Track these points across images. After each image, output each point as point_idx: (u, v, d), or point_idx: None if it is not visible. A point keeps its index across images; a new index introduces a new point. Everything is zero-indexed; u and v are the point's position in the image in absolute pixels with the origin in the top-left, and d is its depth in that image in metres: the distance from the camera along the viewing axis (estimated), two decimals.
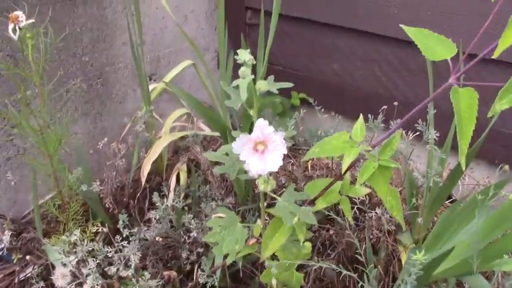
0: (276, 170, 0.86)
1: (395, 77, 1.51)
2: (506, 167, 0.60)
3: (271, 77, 0.86)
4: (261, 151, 0.87)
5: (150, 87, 1.56)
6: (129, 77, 1.59)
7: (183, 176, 1.54)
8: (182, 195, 1.47)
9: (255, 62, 0.83)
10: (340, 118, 1.49)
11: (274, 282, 1.03)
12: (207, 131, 1.69)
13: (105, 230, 1.08)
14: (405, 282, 0.73)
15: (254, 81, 0.84)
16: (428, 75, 1.16)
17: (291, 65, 1.73)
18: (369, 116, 1.18)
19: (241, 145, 0.86)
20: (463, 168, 0.70)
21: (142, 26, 1.44)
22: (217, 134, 1.63)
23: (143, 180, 1.45)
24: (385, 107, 1.29)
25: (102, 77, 1.51)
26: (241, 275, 1.33)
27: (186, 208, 1.38)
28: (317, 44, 1.64)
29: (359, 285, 0.87)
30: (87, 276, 0.97)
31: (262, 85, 0.83)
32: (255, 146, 0.87)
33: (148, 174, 1.49)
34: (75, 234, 1.02)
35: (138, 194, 1.47)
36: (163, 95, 1.71)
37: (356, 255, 1.32)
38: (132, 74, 1.59)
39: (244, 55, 0.81)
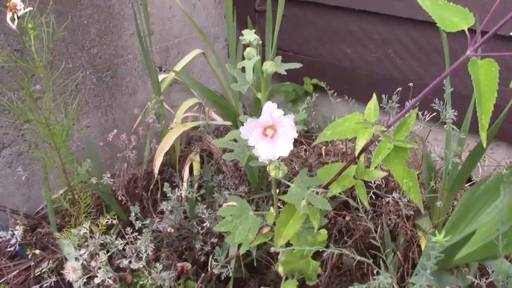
0: (287, 155, 0.82)
1: (410, 58, 1.46)
2: None
3: (279, 58, 0.83)
4: (271, 136, 0.84)
5: (160, 77, 1.54)
6: (138, 68, 1.57)
7: (196, 167, 1.52)
8: (196, 185, 1.45)
9: (260, 42, 0.80)
10: (354, 102, 1.44)
11: (281, 270, 1.01)
12: (219, 120, 1.66)
13: (115, 221, 1.06)
14: (424, 267, 0.69)
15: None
16: (443, 54, 1.11)
17: (303, 51, 1.69)
18: (383, 97, 1.14)
19: (249, 130, 0.83)
20: (484, 144, 0.66)
21: (149, 15, 1.42)
22: (229, 123, 1.60)
23: (156, 171, 1.43)
24: (399, 89, 1.25)
25: (111, 69, 1.50)
26: (257, 264, 1.31)
27: (199, 199, 1.36)
28: (328, 28, 1.60)
29: (375, 271, 0.83)
30: (98, 269, 0.95)
31: (269, 66, 0.80)
32: (264, 131, 0.84)
33: (162, 165, 1.48)
34: (85, 227, 1.01)
35: (152, 186, 1.46)
36: (174, 86, 1.69)
37: (374, 242, 1.29)
38: (142, 65, 1.57)
39: (249, 35, 0.78)
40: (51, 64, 1.31)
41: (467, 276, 0.96)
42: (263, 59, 0.82)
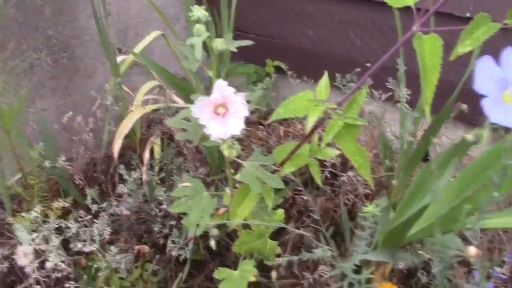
0: (238, 133, 0.82)
1: (369, 40, 1.47)
2: (464, 106, 0.57)
3: (230, 35, 0.82)
4: (222, 114, 0.83)
5: (119, 59, 1.51)
6: (96, 50, 1.53)
7: (157, 150, 1.50)
8: (157, 168, 1.44)
9: (210, 19, 0.78)
10: (313, 83, 1.44)
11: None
12: (180, 103, 1.64)
13: (67, 205, 1.04)
14: (362, 237, 0.70)
15: None
16: (398, 34, 1.12)
17: (264, 33, 1.68)
18: (337, 75, 1.14)
19: (200, 108, 0.82)
20: (428, 118, 0.66)
21: None
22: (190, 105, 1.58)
23: (115, 155, 1.41)
24: (358, 69, 1.26)
25: (68, 51, 1.46)
26: (217, 246, 1.31)
27: (159, 182, 1.35)
28: (288, 9, 1.59)
29: (314, 244, 0.83)
30: (50, 253, 0.94)
31: (219, 43, 0.79)
32: (215, 109, 0.83)
33: (122, 149, 1.45)
34: (36, 211, 0.98)
35: (111, 170, 1.44)
36: (134, 68, 1.66)
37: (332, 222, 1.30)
38: (100, 46, 1.53)
39: (198, 11, 0.77)
40: (3, 45, 1.27)
41: (419, 252, 0.98)
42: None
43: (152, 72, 1.65)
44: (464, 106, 0.60)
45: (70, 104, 1.50)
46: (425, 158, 1.33)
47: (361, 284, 0.65)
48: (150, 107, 1.52)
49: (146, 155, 1.48)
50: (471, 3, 1.24)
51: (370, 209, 0.66)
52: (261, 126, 1.43)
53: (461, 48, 0.61)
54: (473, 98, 1.33)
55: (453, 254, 0.69)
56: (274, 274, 1.10)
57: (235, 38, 0.84)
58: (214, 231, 0.96)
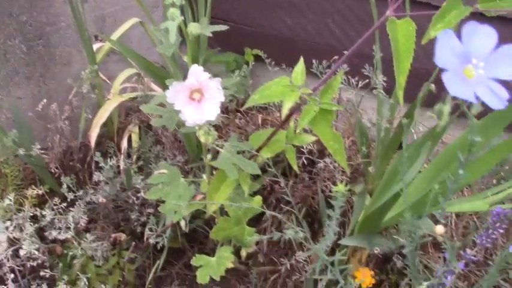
0: (214, 119, 0.82)
1: (347, 27, 1.47)
2: (432, 86, 0.58)
3: (204, 19, 0.81)
4: (198, 100, 0.83)
5: (96, 47, 1.49)
6: (72, 37, 1.51)
7: (135, 138, 1.49)
8: (134, 157, 1.43)
9: (184, 3, 0.78)
10: (291, 70, 1.44)
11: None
12: (158, 91, 1.63)
13: (40, 192, 1.03)
14: (332, 218, 0.70)
15: None
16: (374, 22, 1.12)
17: (243, 21, 1.67)
18: (314, 61, 1.13)
19: (175, 93, 0.82)
20: (401, 102, 0.67)
21: None
22: None
23: (92, 143, 1.39)
24: (336, 57, 1.26)
25: (43, 38, 1.43)
26: (196, 234, 1.31)
27: (137, 170, 1.34)
28: None
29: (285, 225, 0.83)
30: (23, 241, 0.92)
31: (194, 28, 0.78)
32: (190, 95, 0.83)
33: (99, 137, 1.44)
34: (9, 199, 0.97)
35: (88, 158, 1.42)
36: (112, 56, 1.64)
37: (311, 209, 1.31)
38: (77, 33, 1.51)
39: None
40: None
41: (394, 237, 0.99)
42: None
43: (130, 60, 1.63)
44: (432, 86, 0.60)
45: (46, 92, 1.47)
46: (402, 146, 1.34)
47: (334, 265, 0.66)
48: (127, 95, 1.51)
49: (124, 143, 1.47)
50: None
51: (339, 188, 0.66)
52: (239, 114, 1.43)
53: (433, 32, 0.62)
54: None
55: (423, 234, 0.69)
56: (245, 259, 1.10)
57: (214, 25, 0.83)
58: (184, 212, 0.95)
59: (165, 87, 1.56)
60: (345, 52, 1.27)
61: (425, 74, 0.91)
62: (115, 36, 1.54)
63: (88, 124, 1.44)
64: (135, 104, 1.57)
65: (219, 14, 1.66)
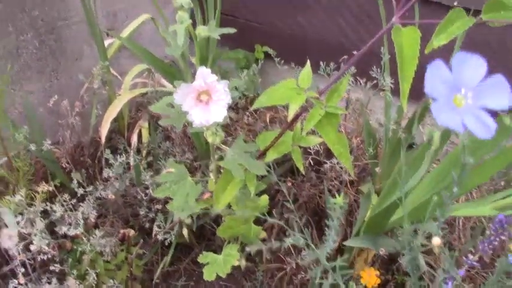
0: (221, 121, 0.83)
1: (358, 26, 1.46)
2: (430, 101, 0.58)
3: (212, 22, 0.82)
4: (205, 101, 0.84)
5: (108, 42, 1.50)
6: (84, 32, 1.52)
7: (145, 134, 1.50)
8: (144, 152, 1.44)
9: (192, 6, 0.78)
10: (300, 69, 1.44)
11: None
12: (169, 87, 1.64)
13: (51, 188, 1.05)
14: (330, 227, 0.71)
15: None
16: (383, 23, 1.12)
17: (255, 18, 1.67)
18: (321, 63, 1.14)
19: (183, 95, 0.83)
20: (404, 109, 0.67)
21: None
22: None
23: (103, 138, 1.41)
24: (345, 56, 1.26)
25: (54, 33, 1.45)
26: (204, 231, 1.33)
27: (146, 166, 1.35)
28: None
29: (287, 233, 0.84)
30: (34, 236, 0.94)
31: (202, 30, 0.79)
32: (198, 96, 0.84)
33: (110, 133, 1.46)
34: (21, 194, 0.99)
35: (99, 154, 1.44)
36: (123, 52, 1.65)
37: (318, 208, 1.32)
38: (88, 29, 1.52)
39: None
40: None
41: (400, 238, 1.00)
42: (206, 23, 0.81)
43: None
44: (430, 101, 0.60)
45: (57, 86, 1.49)
46: (410, 146, 1.34)
47: (335, 270, 0.67)
48: (137, 91, 1.52)
49: (134, 138, 1.48)
50: None
51: (338, 200, 0.67)
52: (248, 112, 1.44)
53: (436, 42, 0.62)
54: None
55: (421, 243, 0.70)
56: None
57: (224, 22, 0.84)
58: (187, 221, 0.97)
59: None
60: (355, 52, 1.27)
61: None
62: (126, 32, 1.55)
63: (99, 119, 1.45)
64: (145, 99, 1.58)
65: (229, 11, 1.67)
